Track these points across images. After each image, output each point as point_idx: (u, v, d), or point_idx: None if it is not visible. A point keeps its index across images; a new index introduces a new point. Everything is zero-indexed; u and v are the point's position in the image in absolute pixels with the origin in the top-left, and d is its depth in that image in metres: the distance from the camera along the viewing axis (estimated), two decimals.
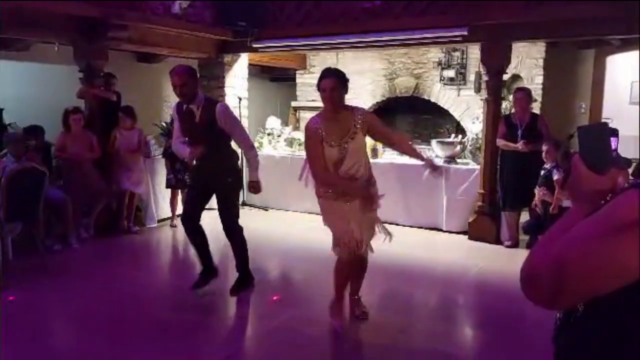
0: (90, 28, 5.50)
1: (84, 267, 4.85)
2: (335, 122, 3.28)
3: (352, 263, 3.42)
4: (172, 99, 6.54)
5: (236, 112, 7.40)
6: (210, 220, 4.15)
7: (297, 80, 9.22)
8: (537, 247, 1.00)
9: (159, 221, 6.36)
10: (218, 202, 4.04)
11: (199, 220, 4.06)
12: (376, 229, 3.55)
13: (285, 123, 8.38)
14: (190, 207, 4.13)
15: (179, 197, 6.30)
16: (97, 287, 4.32)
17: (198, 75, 3.93)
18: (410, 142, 3.61)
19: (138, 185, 5.97)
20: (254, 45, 6.77)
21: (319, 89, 3.29)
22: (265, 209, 7.21)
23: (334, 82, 3.22)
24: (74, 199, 5.27)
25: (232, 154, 4.10)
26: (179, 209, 6.40)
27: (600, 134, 1.02)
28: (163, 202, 6.41)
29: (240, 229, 4.06)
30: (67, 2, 5.17)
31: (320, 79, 3.29)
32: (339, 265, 3.44)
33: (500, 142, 5.50)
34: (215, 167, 3.91)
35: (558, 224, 1.02)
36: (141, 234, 6.03)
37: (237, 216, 4.07)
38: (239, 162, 4.26)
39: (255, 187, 4.07)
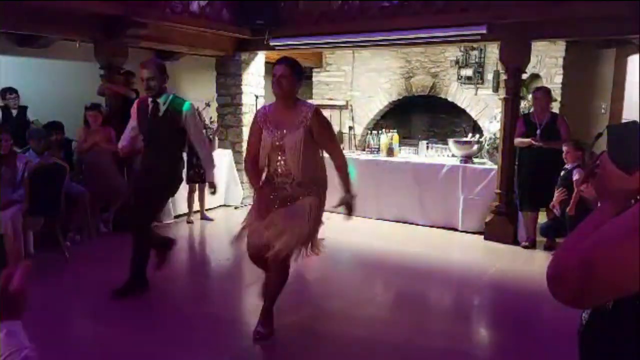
0: (111, 26, 5.57)
1: (103, 261, 4.92)
2: (283, 112, 3.18)
3: (254, 261, 3.32)
4: (189, 96, 6.61)
5: (253, 110, 7.48)
6: (225, 215, 4.18)
7: (313, 78, 9.23)
8: (564, 245, 1.00)
9: (175, 217, 6.42)
10: (139, 197, 3.95)
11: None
12: (298, 242, 3.14)
13: None
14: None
15: (196, 193, 6.38)
16: (114, 280, 4.37)
17: (167, 72, 3.90)
18: (346, 172, 3.21)
19: None
20: (271, 43, 6.80)
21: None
22: None
23: (284, 69, 3.11)
24: (93, 194, 5.35)
25: (179, 160, 4.04)
26: (196, 205, 6.48)
27: (631, 132, 1.01)
28: (180, 197, 6.46)
29: (148, 233, 4.00)
30: (88, 1, 5.23)
31: (274, 64, 3.21)
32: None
33: (517, 140, 5.46)
34: (157, 165, 3.85)
35: (585, 223, 1.01)
36: (158, 229, 6.09)
37: (152, 219, 4.10)
38: (182, 172, 4.16)
39: (212, 187, 4.07)
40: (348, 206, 3.18)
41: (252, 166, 3.28)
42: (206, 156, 4.05)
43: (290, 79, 3.12)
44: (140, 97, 4.01)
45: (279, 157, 3.15)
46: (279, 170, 3.17)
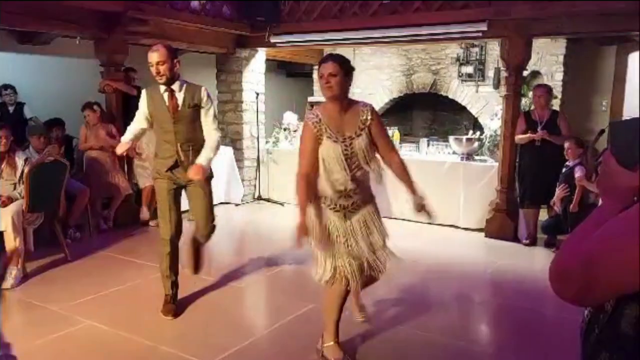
0: (111, 22, 5.56)
1: (103, 258, 4.92)
2: (339, 115, 2.87)
3: (346, 292, 2.99)
4: None
5: (253, 107, 7.48)
6: (226, 213, 4.17)
7: (314, 76, 9.22)
8: (567, 242, 1.00)
9: None
10: (197, 200, 3.71)
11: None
12: (379, 255, 3.00)
13: (301, 118, 8.38)
14: (177, 212, 3.72)
15: None
16: (114, 277, 4.38)
17: (177, 56, 3.59)
18: (407, 171, 2.99)
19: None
20: (272, 40, 6.79)
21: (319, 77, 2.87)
22: (282, 203, 7.24)
23: (333, 67, 2.78)
24: (94, 191, 5.35)
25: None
26: None
27: (633, 129, 1.00)
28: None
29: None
30: None
31: (320, 63, 2.86)
32: (332, 295, 3.01)
33: (517, 137, 5.45)
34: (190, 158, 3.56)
35: (588, 221, 1.01)
36: (159, 227, 6.09)
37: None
38: None
39: (196, 173, 3.48)
40: (423, 209, 2.97)
41: (307, 180, 2.84)
42: (213, 142, 3.59)
43: (341, 77, 2.80)
44: (149, 88, 3.68)
45: (347, 166, 2.82)
46: (345, 179, 2.84)
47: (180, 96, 3.55)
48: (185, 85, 3.59)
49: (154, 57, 3.43)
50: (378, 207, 3.07)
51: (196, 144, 3.60)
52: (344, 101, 2.88)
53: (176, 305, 3.75)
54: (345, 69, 2.83)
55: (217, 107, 7.62)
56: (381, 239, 3.00)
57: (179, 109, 3.55)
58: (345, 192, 2.87)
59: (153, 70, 3.47)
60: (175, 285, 3.77)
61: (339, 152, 2.81)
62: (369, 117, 2.86)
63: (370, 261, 2.95)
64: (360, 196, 2.93)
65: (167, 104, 3.54)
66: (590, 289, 0.90)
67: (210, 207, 3.77)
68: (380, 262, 2.98)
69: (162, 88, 3.53)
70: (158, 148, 3.68)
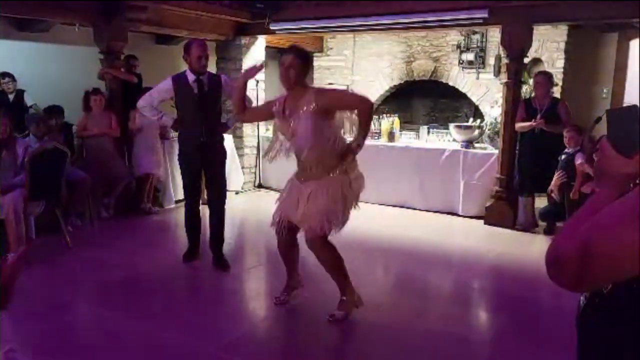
0: (110, 9, 5.53)
1: (104, 246, 4.94)
2: (291, 98, 3.27)
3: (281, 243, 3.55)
4: None
5: (253, 95, 7.44)
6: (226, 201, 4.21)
7: (314, 63, 9.17)
8: (563, 229, 1.01)
9: (176, 202, 6.42)
10: (212, 178, 4.28)
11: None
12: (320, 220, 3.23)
13: None
14: (194, 186, 4.38)
15: None
16: (115, 264, 4.41)
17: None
18: (365, 119, 3.22)
19: (157, 167, 6.06)
20: (272, 27, 6.75)
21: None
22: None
23: (291, 60, 3.17)
24: (94, 178, 5.35)
25: (222, 130, 4.37)
26: None
27: (630, 116, 1.01)
28: (180, 182, 6.46)
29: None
30: None
31: (282, 52, 3.30)
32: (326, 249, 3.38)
33: (518, 125, 5.44)
34: (213, 142, 4.15)
35: (585, 207, 1.02)
36: (160, 214, 6.12)
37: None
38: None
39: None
40: (348, 152, 3.24)
41: (245, 113, 3.65)
42: None
43: (296, 69, 3.17)
44: (174, 75, 4.19)
45: (292, 141, 3.27)
46: (294, 153, 3.32)
47: (206, 83, 4.17)
48: (208, 75, 4.18)
49: (203, 52, 4.03)
50: (347, 190, 3.28)
51: (215, 124, 4.34)
52: (297, 87, 3.21)
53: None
54: (303, 61, 3.21)
55: None
56: (320, 209, 3.19)
57: (205, 94, 4.16)
58: (301, 162, 3.29)
59: (200, 61, 4.04)
60: None
61: (286, 128, 3.27)
62: (312, 100, 3.13)
63: (297, 223, 3.34)
64: (315, 171, 3.24)
65: (195, 90, 4.11)
66: (586, 275, 0.91)
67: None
68: (307, 227, 3.24)
69: (194, 77, 4.10)
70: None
